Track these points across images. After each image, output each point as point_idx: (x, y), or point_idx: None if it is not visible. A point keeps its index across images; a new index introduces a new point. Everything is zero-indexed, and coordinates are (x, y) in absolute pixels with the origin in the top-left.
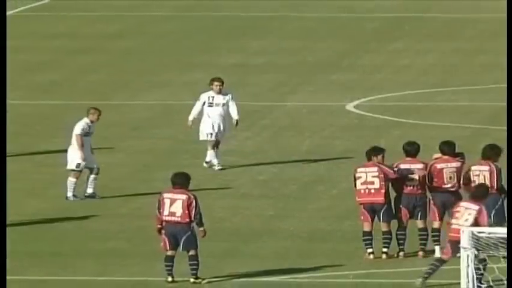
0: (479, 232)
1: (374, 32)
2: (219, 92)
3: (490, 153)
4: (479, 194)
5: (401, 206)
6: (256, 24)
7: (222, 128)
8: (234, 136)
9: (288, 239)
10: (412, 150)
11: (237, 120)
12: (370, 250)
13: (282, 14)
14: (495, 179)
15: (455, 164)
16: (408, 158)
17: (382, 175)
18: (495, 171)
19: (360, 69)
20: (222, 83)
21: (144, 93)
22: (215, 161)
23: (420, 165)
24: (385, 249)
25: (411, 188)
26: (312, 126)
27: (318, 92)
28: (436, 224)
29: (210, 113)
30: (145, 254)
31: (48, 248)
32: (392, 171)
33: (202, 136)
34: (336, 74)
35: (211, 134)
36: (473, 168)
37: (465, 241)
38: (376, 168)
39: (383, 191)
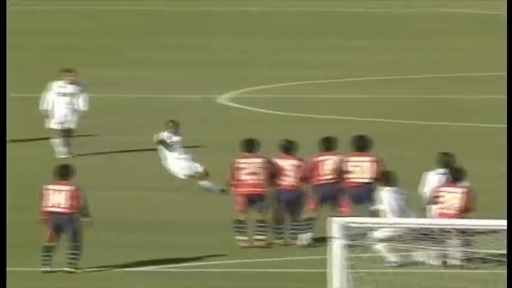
0: (351, 222)
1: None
2: (71, 83)
3: (361, 144)
4: (459, 176)
5: (280, 199)
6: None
7: (70, 117)
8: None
9: (167, 230)
10: (287, 146)
11: (84, 111)
12: (243, 237)
13: None
14: (375, 169)
15: (334, 157)
16: (283, 154)
17: (265, 166)
18: (376, 161)
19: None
20: (74, 74)
21: None
22: (63, 150)
23: (295, 162)
24: (261, 237)
25: (289, 182)
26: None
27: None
28: (311, 214)
29: (60, 102)
30: None
31: None
32: (274, 164)
33: (52, 125)
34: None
35: (61, 123)
36: (350, 159)
37: (336, 231)
38: (260, 160)
39: (264, 182)
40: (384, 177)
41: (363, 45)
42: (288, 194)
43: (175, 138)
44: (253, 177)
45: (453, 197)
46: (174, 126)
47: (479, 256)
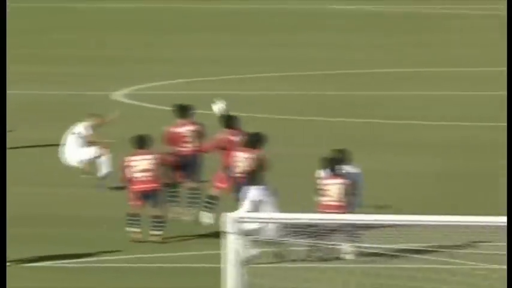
0: (244, 217)
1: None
2: None
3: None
4: (338, 171)
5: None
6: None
7: None
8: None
9: (66, 225)
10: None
11: None
12: (134, 229)
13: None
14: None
15: (193, 127)
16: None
17: (157, 162)
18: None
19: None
20: None
21: None
22: None
23: (193, 127)
24: (157, 232)
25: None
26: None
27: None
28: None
29: None
30: None
31: None
32: (167, 157)
33: None
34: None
35: None
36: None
37: (230, 226)
38: (150, 156)
39: (157, 177)
40: (252, 176)
41: (240, 41)
42: (185, 158)
43: (83, 132)
44: (145, 174)
45: (336, 188)
46: (95, 120)
47: (373, 251)
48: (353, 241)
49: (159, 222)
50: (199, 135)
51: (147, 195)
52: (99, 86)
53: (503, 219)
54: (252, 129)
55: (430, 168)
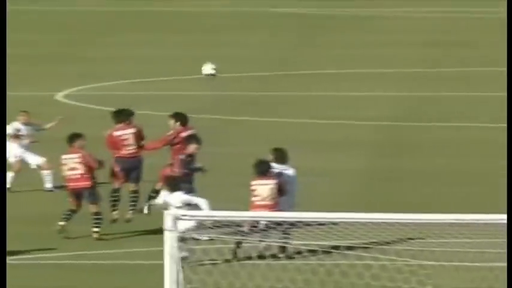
0: (183, 215)
1: (95, 25)
2: None
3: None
4: (266, 169)
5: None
6: None
7: None
8: None
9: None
10: (126, 114)
11: None
12: (61, 223)
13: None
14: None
15: (132, 130)
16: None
17: (81, 161)
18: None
19: (77, 60)
20: None
21: None
22: None
23: (133, 130)
24: (96, 229)
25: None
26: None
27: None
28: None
29: None
30: None
31: None
32: (92, 159)
33: None
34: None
35: None
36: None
37: (169, 223)
38: (76, 155)
39: (87, 175)
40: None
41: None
42: (127, 161)
43: (25, 129)
44: (74, 172)
45: (264, 189)
46: (26, 118)
47: (307, 248)
48: (285, 238)
49: (96, 219)
50: (139, 137)
51: (78, 193)
52: (41, 86)
53: (434, 217)
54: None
55: (360, 165)
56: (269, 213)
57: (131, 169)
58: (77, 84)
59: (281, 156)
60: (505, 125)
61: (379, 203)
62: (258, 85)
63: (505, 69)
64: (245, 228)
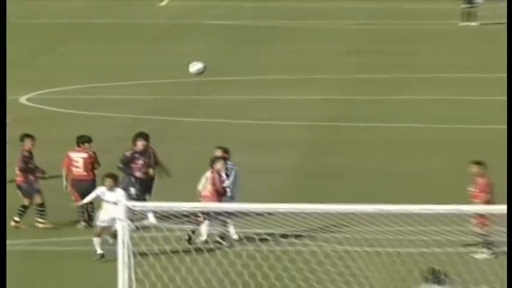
0: (134, 205)
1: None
2: None
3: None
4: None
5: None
6: None
7: None
8: None
9: None
10: (81, 140)
11: None
12: (16, 218)
13: None
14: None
15: (84, 154)
16: (78, 148)
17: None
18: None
19: (36, 67)
20: None
21: None
22: None
23: (85, 155)
24: (41, 220)
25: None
26: None
27: None
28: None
29: None
30: None
31: None
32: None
33: None
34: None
35: None
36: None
37: (121, 213)
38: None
39: (20, 171)
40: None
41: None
42: (79, 183)
43: None
44: (16, 168)
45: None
46: None
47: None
48: (225, 227)
49: (40, 210)
50: (90, 163)
51: (19, 187)
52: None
53: (358, 207)
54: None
55: (294, 163)
56: (215, 204)
57: (81, 189)
58: (36, 89)
59: (226, 153)
60: (433, 125)
61: (311, 198)
62: (196, 89)
63: (426, 75)
64: (200, 218)
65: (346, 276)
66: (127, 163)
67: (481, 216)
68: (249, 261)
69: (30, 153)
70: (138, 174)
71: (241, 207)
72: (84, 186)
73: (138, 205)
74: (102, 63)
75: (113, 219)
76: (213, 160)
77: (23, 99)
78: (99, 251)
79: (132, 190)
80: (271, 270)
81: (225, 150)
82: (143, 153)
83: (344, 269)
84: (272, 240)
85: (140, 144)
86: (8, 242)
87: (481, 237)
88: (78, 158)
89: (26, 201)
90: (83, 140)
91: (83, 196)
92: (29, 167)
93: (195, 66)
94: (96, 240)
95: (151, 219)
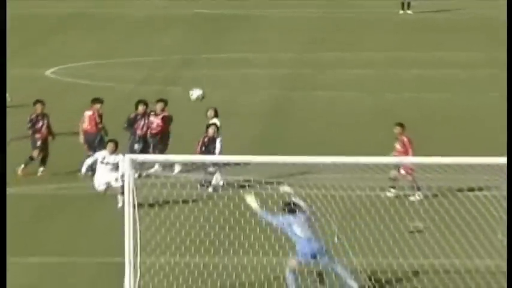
0: (138, 158)
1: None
2: None
3: None
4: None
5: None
6: None
7: None
8: None
9: None
10: (91, 102)
11: None
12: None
13: None
14: None
15: (90, 112)
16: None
17: None
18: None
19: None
20: None
21: None
22: None
23: (90, 112)
24: (41, 168)
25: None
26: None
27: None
28: None
29: None
30: None
31: None
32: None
33: None
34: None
35: None
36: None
37: (126, 164)
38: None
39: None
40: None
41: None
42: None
43: None
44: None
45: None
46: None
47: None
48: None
49: (41, 162)
50: (94, 118)
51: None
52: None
53: (312, 158)
54: None
55: (255, 131)
56: (204, 156)
57: (87, 140)
58: (57, 65)
59: (216, 112)
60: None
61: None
62: (179, 66)
63: (365, 53)
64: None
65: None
66: (131, 124)
67: (406, 166)
68: (228, 202)
69: (39, 116)
70: (139, 132)
71: (224, 158)
72: (90, 138)
73: (140, 157)
74: (100, 46)
75: (109, 181)
76: (207, 126)
77: (48, 73)
78: (119, 203)
79: (136, 146)
80: (247, 209)
81: (215, 110)
82: (143, 115)
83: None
84: (248, 185)
85: (141, 108)
86: (21, 188)
87: (411, 183)
88: (86, 115)
89: (33, 154)
90: (92, 102)
91: (89, 145)
92: (35, 128)
93: (195, 94)
94: (119, 197)
95: (156, 168)
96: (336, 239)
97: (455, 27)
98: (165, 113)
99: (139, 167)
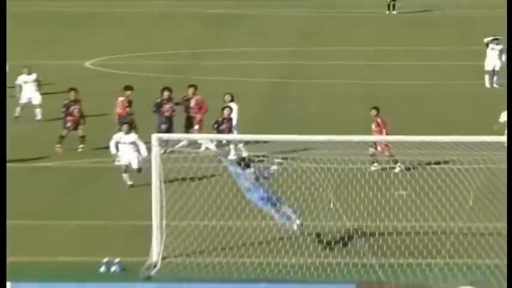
0: (165, 136)
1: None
2: None
3: None
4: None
5: None
6: None
7: None
8: None
9: None
10: (123, 88)
11: None
12: (57, 145)
13: None
14: None
15: (122, 98)
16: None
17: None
18: (125, 99)
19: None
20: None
21: None
22: None
23: (122, 98)
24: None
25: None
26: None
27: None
28: None
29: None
30: None
31: None
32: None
33: None
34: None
35: None
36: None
37: (154, 141)
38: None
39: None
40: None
41: None
42: (119, 117)
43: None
44: None
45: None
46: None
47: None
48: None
49: (80, 140)
50: (122, 103)
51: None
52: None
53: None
54: None
55: (257, 111)
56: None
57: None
58: (93, 58)
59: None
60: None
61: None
62: (191, 58)
63: (358, 47)
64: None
65: (307, 183)
66: (158, 107)
67: (382, 143)
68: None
69: (72, 101)
70: (167, 114)
71: (237, 137)
72: (122, 120)
73: (165, 136)
74: (121, 40)
75: (129, 160)
76: (223, 108)
77: (87, 64)
78: (128, 182)
79: (163, 126)
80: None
81: (232, 95)
82: (168, 100)
83: (305, 179)
84: (257, 160)
85: (166, 93)
86: (61, 162)
87: (390, 157)
88: (119, 100)
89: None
90: (123, 89)
91: (121, 126)
92: (68, 112)
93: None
94: (125, 175)
95: (182, 144)
96: (331, 205)
97: (433, 24)
98: (197, 96)
99: (164, 144)
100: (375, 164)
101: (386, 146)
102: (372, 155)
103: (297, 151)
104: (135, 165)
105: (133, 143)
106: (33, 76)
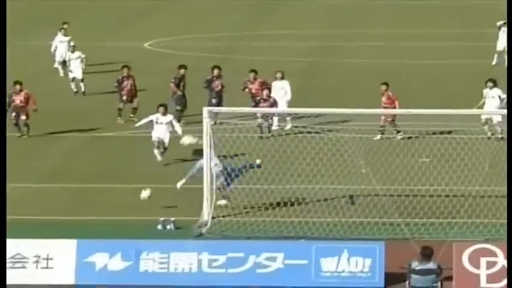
0: (215, 108)
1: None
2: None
3: None
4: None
5: None
6: None
7: None
8: None
9: None
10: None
11: None
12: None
13: None
14: None
15: (175, 76)
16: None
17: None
18: (177, 77)
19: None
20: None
21: None
22: None
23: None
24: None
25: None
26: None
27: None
28: None
29: None
30: None
31: None
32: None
33: None
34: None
35: None
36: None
37: (205, 114)
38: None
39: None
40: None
41: None
42: (173, 94)
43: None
44: None
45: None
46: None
47: None
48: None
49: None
50: (174, 79)
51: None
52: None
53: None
54: None
55: (297, 83)
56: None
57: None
58: (150, 39)
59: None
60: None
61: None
62: (235, 39)
63: (368, 30)
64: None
65: (341, 151)
66: (208, 83)
67: (388, 116)
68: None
69: (125, 77)
70: (216, 89)
71: (277, 110)
72: (176, 96)
73: (215, 109)
74: (177, 25)
75: (162, 139)
76: (262, 89)
77: (146, 45)
78: (158, 157)
79: (213, 100)
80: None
81: (282, 73)
82: (218, 77)
83: (339, 147)
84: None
85: (216, 71)
86: (120, 132)
87: (394, 128)
88: (172, 78)
89: (119, 106)
90: (178, 67)
91: (176, 102)
92: (121, 86)
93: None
94: (156, 151)
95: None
96: (362, 170)
97: (439, 12)
98: (260, 79)
99: (214, 115)
100: (380, 135)
101: (393, 120)
102: (381, 126)
103: (331, 122)
104: (166, 143)
105: (169, 123)
106: (72, 42)
